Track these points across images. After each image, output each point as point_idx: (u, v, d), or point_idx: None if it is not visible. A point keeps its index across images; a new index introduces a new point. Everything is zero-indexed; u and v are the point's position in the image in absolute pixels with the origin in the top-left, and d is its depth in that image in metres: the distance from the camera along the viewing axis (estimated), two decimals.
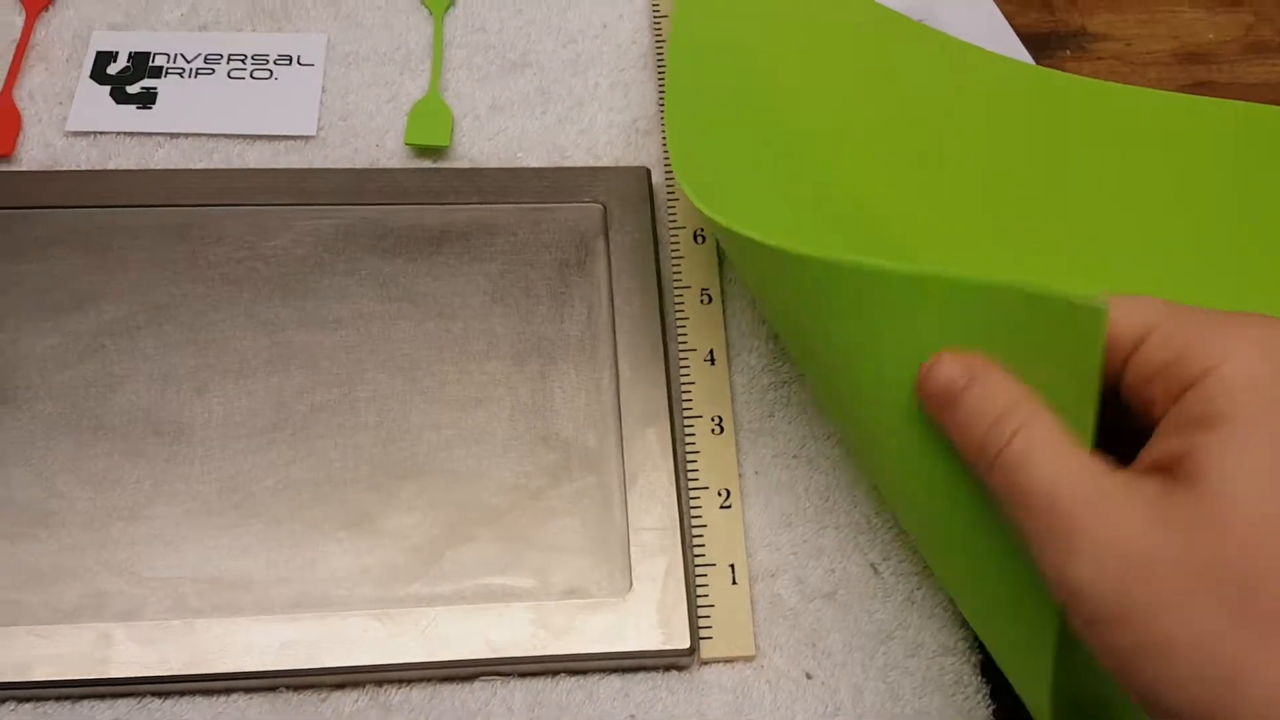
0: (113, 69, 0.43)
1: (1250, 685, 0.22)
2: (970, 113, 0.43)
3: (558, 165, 0.42)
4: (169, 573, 0.33)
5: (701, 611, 0.34)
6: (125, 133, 0.41)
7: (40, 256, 0.38)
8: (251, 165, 0.41)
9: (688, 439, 0.36)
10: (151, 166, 0.41)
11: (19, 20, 0.44)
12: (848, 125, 0.41)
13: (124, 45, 0.43)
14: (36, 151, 0.41)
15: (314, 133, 0.42)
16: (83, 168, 0.41)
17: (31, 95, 0.42)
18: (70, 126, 0.41)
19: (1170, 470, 0.24)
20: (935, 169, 0.41)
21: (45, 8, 0.44)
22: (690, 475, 0.35)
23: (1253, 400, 0.23)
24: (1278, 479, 0.23)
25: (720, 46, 0.40)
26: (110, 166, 0.41)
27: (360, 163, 0.42)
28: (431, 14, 0.45)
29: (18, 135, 0.41)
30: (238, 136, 0.42)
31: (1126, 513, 0.23)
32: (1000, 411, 0.25)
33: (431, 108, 0.43)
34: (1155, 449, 0.24)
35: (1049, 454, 0.24)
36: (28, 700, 0.31)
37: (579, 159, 0.42)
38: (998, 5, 0.48)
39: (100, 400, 0.35)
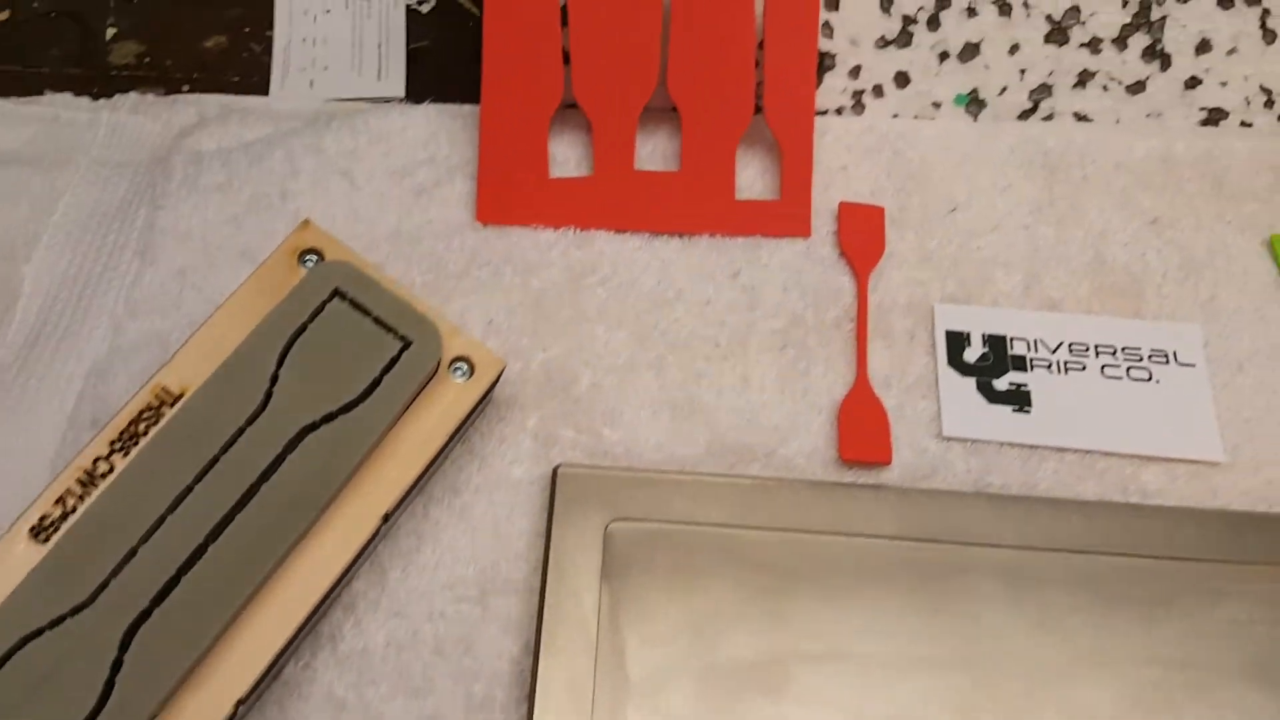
0: (969, 355, 0.38)
1: None
2: None
3: None
4: None
5: None
6: (1005, 442, 0.36)
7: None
8: (1150, 493, 0.35)
9: None
10: (1037, 488, 0.35)
11: (848, 283, 0.39)
12: None
13: (972, 325, 0.38)
14: (908, 456, 0.36)
15: (1220, 458, 0.36)
16: (960, 487, 0.35)
17: (887, 382, 0.37)
18: (947, 431, 0.36)
19: None
20: None
21: (873, 268, 0.39)
22: None
23: None
24: None
25: None
26: (991, 482, 0.35)
27: (1277, 498, 0.35)
28: None
29: (889, 436, 0.36)
30: (1129, 456, 0.36)
31: None
32: None
33: None
34: None
35: None
36: None
37: None
38: None
39: None
